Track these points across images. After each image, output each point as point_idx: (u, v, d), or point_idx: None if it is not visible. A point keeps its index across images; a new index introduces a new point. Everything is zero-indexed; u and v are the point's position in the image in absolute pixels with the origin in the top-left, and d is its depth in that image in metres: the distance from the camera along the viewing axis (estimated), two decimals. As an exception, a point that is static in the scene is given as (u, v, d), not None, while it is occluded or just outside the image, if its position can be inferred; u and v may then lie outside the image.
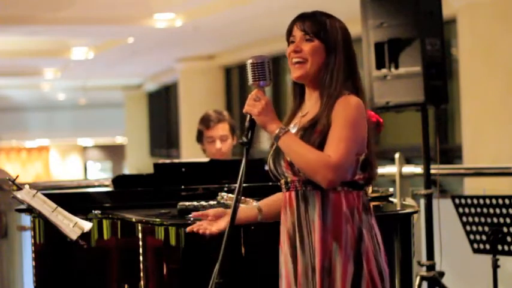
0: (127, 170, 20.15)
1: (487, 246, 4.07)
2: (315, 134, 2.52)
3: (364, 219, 2.56)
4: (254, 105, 2.53)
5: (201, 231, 2.67)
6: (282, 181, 2.63)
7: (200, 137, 4.55)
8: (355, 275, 2.50)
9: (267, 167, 2.70)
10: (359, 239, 2.52)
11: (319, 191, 2.53)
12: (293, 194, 2.58)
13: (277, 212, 2.71)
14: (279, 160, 2.60)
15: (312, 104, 2.63)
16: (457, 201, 4.17)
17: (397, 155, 5.30)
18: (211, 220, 2.70)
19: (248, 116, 2.52)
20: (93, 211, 3.49)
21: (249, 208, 2.79)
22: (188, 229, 2.72)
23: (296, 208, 2.58)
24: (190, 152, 11.95)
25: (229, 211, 2.60)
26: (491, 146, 6.96)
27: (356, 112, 2.53)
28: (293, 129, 2.62)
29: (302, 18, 2.62)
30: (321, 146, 2.50)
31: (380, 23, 4.68)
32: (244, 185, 2.49)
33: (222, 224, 2.67)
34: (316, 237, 2.52)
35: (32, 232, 3.56)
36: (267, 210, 2.77)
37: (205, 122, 4.50)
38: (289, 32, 2.64)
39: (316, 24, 2.58)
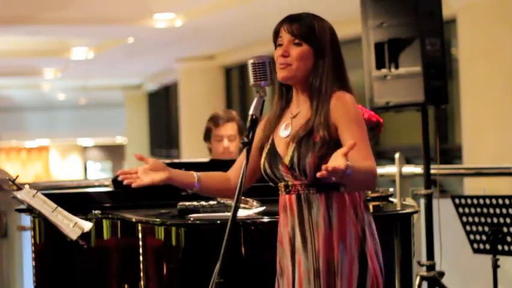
0: (127, 170, 20.11)
1: (487, 246, 4.07)
2: (315, 145, 2.49)
3: (365, 218, 2.56)
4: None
5: (126, 181, 2.58)
6: (281, 184, 2.60)
7: (208, 135, 4.53)
8: (360, 273, 2.51)
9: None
10: (362, 237, 2.52)
11: (324, 193, 2.52)
12: (294, 197, 2.56)
13: (214, 189, 2.72)
14: (276, 164, 2.58)
15: (301, 104, 2.61)
16: (457, 201, 4.17)
17: (397, 155, 5.31)
18: (148, 169, 2.61)
19: (250, 116, 2.51)
20: (93, 211, 3.49)
21: (188, 174, 2.71)
22: (118, 173, 2.62)
23: (298, 211, 2.55)
24: (190, 152, 11.93)
25: (171, 170, 2.63)
26: (491, 146, 6.96)
27: (357, 109, 2.54)
28: (285, 131, 2.60)
29: (290, 20, 2.58)
30: (323, 158, 2.46)
31: (380, 23, 4.68)
32: (244, 185, 2.49)
33: (157, 177, 2.61)
34: (321, 241, 2.51)
35: (32, 232, 3.56)
36: (205, 182, 2.71)
37: (215, 120, 4.50)
38: (276, 34, 2.61)
39: (305, 27, 2.55)
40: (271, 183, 2.65)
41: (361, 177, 2.38)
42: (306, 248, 2.53)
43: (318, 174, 2.24)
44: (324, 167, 2.22)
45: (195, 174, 2.72)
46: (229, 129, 4.47)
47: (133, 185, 2.59)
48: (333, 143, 2.50)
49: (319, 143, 2.49)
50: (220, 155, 4.45)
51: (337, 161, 2.25)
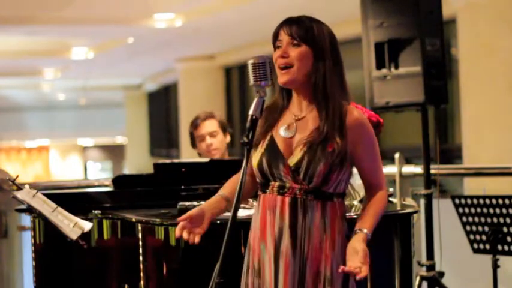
0: (127, 170, 20.15)
1: (487, 246, 4.07)
2: (329, 155, 2.50)
3: (346, 227, 2.60)
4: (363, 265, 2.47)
5: (191, 241, 2.58)
6: (275, 184, 2.58)
7: (193, 141, 4.59)
8: (344, 281, 2.55)
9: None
10: (344, 246, 2.55)
11: (321, 201, 2.54)
12: (288, 199, 2.55)
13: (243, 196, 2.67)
14: (277, 163, 2.57)
15: (304, 109, 2.61)
16: (457, 201, 4.17)
17: (397, 155, 5.30)
18: (194, 222, 2.60)
19: (250, 116, 2.50)
20: (93, 211, 3.49)
21: (217, 201, 2.67)
22: (177, 235, 2.60)
23: (291, 215, 2.54)
24: (190, 152, 11.91)
25: (206, 209, 2.61)
26: (491, 146, 6.96)
27: (371, 127, 2.60)
28: (287, 131, 2.60)
29: (289, 22, 2.59)
30: (333, 167, 2.51)
31: (380, 23, 4.68)
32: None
33: (205, 225, 2.61)
34: (312, 247, 2.52)
35: (32, 232, 3.57)
36: (232, 198, 2.65)
37: (193, 123, 4.57)
38: (276, 36, 2.61)
39: (303, 28, 2.56)
40: (259, 180, 2.62)
41: (380, 217, 2.60)
42: (294, 252, 2.53)
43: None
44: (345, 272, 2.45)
45: (223, 197, 2.68)
46: (209, 126, 4.50)
47: (196, 241, 2.60)
48: (343, 155, 2.52)
49: (334, 153, 2.50)
50: (206, 153, 4.48)
51: (356, 259, 2.45)
